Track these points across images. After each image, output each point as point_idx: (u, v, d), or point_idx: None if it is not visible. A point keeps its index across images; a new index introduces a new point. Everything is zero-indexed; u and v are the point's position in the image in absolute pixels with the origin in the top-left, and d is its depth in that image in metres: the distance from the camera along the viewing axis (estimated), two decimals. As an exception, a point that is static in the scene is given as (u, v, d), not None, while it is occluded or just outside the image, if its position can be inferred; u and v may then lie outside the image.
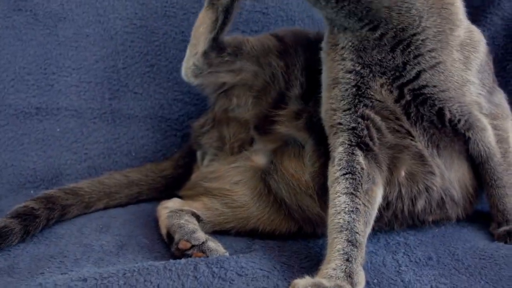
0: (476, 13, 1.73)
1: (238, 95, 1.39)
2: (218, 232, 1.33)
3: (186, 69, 1.41)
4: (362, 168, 1.16)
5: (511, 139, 1.28)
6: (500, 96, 1.32)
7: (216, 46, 1.38)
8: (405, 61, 1.16)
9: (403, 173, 1.21)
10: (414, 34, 1.16)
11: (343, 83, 1.20)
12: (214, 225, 1.34)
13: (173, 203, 1.39)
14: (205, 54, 1.37)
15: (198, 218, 1.32)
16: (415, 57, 1.16)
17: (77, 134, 1.73)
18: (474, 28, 1.28)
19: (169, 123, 1.75)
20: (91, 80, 1.75)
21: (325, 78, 1.26)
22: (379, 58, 1.17)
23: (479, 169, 1.26)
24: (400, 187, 1.22)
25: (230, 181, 1.36)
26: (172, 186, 1.54)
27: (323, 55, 1.28)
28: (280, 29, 1.51)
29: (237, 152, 1.40)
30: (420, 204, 1.24)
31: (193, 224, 1.27)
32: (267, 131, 1.38)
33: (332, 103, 1.22)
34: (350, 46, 1.19)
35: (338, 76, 1.21)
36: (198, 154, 1.50)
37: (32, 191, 1.65)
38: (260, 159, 1.36)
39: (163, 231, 1.30)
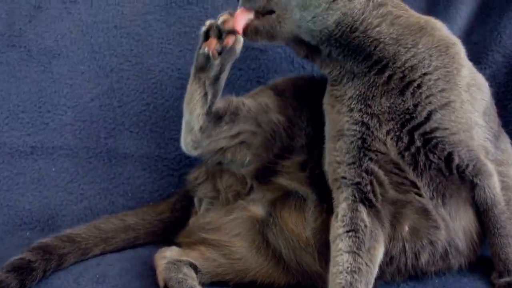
0: (476, 50, 1.71)
1: (234, 153, 1.35)
2: (216, 283, 1.32)
3: (186, 144, 1.36)
4: (366, 226, 1.15)
5: None
6: (506, 141, 1.31)
7: (211, 118, 1.31)
8: (416, 103, 1.15)
9: (406, 228, 1.20)
10: (425, 74, 1.15)
11: (348, 135, 1.18)
12: (212, 276, 1.33)
13: (170, 253, 1.37)
14: (202, 129, 1.31)
15: (196, 269, 1.31)
16: (427, 97, 1.15)
17: (73, 174, 1.70)
18: (475, 70, 1.28)
19: (166, 162, 1.72)
20: (86, 118, 1.72)
21: (329, 130, 1.24)
22: (388, 104, 1.15)
23: (483, 216, 1.24)
24: (404, 242, 1.20)
25: (228, 233, 1.34)
26: (170, 230, 1.51)
27: (326, 107, 1.26)
28: (280, 80, 1.47)
29: (232, 202, 1.38)
30: (424, 258, 1.23)
31: (191, 279, 1.26)
32: (267, 181, 1.35)
33: (337, 156, 1.20)
34: (358, 95, 1.17)
35: (344, 128, 1.19)
36: (195, 200, 1.47)
37: (28, 233, 1.65)
38: (258, 209, 1.33)
39: (161, 283, 1.29)
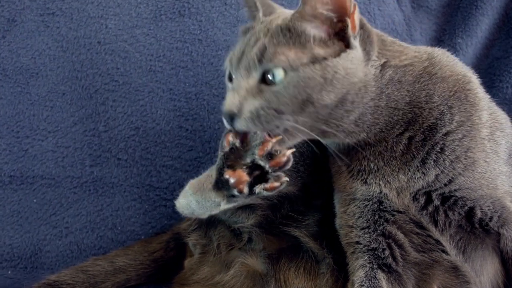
0: (497, 66, 1.59)
1: (235, 213, 1.21)
2: None
3: (181, 208, 1.19)
4: None
5: None
6: None
7: None
8: (438, 172, 1.03)
9: None
10: (448, 133, 1.02)
11: (362, 199, 1.07)
12: None
13: None
14: None
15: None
16: (451, 162, 1.02)
17: (56, 206, 1.57)
18: (494, 105, 1.15)
19: (158, 192, 1.60)
20: (69, 144, 1.58)
21: (337, 192, 1.12)
22: (406, 180, 1.04)
23: (507, 264, 1.14)
24: None
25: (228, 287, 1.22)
26: (163, 270, 1.40)
27: (332, 170, 1.12)
28: None
29: (225, 253, 1.25)
30: None
31: None
32: (273, 228, 1.21)
33: (349, 220, 1.09)
34: (372, 169, 1.05)
35: (356, 194, 1.07)
36: (190, 244, 1.35)
37: (9, 272, 1.53)
38: (257, 263, 1.21)
39: None
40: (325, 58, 0.94)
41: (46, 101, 1.58)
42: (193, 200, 1.13)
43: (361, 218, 1.08)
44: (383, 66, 1.02)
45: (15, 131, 1.58)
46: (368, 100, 1.00)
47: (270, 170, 0.99)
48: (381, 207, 1.06)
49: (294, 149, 1.00)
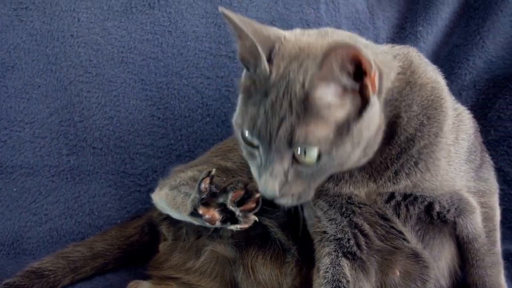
0: (457, 53, 1.62)
1: None
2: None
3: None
4: (348, 281, 1.11)
5: (497, 217, 1.22)
6: (489, 168, 1.23)
7: None
8: (410, 181, 1.05)
9: (398, 273, 1.16)
10: (425, 146, 1.03)
11: (332, 195, 1.10)
12: None
13: None
14: None
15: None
16: (422, 173, 1.05)
17: (35, 194, 1.61)
18: (458, 105, 1.16)
19: (133, 178, 1.65)
20: (46, 135, 1.62)
21: None
22: (375, 188, 1.07)
23: (462, 249, 1.20)
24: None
25: (199, 275, 1.28)
26: (140, 254, 1.46)
27: None
28: None
29: (194, 240, 1.29)
30: None
31: None
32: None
33: (317, 211, 1.13)
34: (346, 177, 1.07)
35: (324, 189, 1.09)
36: (163, 230, 1.40)
37: (-8, 259, 1.58)
38: (225, 250, 1.25)
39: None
40: (348, 123, 0.90)
41: (22, 93, 1.61)
42: (171, 213, 1.21)
43: (329, 211, 1.11)
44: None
45: (-7, 123, 1.61)
46: (380, 134, 0.99)
47: (240, 214, 1.04)
48: (349, 201, 1.09)
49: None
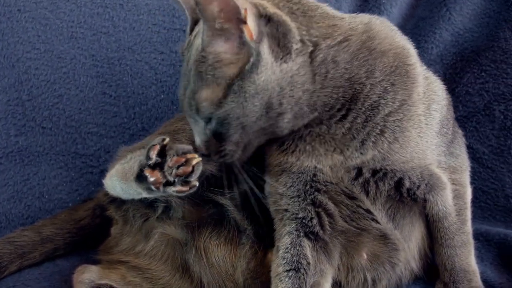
0: (422, 26, 1.56)
1: None
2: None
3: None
4: (308, 263, 1.06)
5: (468, 195, 1.18)
6: (461, 144, 1.20)
7: None
8: (376, 153, 1.02)
9: (365, 256, 1.12)
10: (390, 114, 1.01)
11: (295, 172, 1.06)
12: None
13: (89, 274, 1.24)
14: None
15: (117, 294, 1.19)
16: (389, 144, 1.02)
17: (-18, 177, 1.55)
18: (430, 74, 1.12)
19: (84, 159, 1.59)
20: (-8, 115, 1.55)
21: (268, 164, 1.11)
22: (342, 159, 1.04)
23: (432, 227, 1.16)
24: (365, 271, 1.13)
25: (149, 258, 1.22)
26: (90, 238, 1.40)
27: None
28: None
29: (140, 223, 1.24)
30: (383, 283, 1.16)
31: None
32: (196, 200, 1.20)
33: (279, 188, 1.08)
34: (307, 150, 1.04)
35: (288, 166, 1.06)
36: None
37: None
38: (176, 232, 1.20)
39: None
40: (242, 79, 0.93)
41: (-34, 72, 1.54)
42: (118, 185, 1.15)
43: (292, 188, 1.07)
44: (312, 52, 0.97)
45: None
46: (300, 93, 0.97)
47: (176, 180, 1.01)
48: (314, 178, 1.05)
49: (200, 159, 1.01)
